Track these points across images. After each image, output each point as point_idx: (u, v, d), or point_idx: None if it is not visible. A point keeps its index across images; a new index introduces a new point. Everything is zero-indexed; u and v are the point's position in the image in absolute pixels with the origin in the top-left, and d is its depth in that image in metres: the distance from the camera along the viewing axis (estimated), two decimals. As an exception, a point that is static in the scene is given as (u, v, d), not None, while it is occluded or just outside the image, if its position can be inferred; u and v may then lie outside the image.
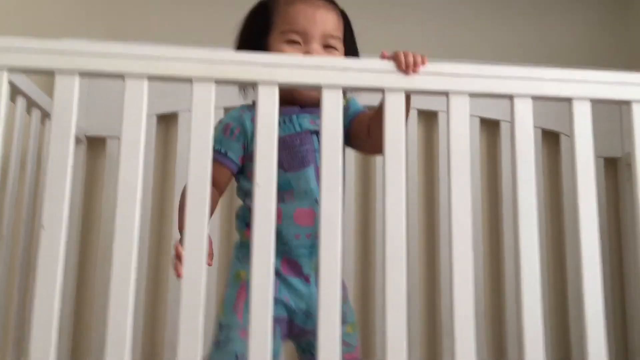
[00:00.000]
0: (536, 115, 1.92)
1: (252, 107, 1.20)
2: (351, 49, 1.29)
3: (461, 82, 1.04)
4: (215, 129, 1.20)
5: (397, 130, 1.02)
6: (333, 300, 0.95)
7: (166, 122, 1.90)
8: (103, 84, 1.81)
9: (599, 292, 1.01)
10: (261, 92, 1.00)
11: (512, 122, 1.06)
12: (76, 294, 1.76)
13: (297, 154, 1.22)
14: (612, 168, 2.00)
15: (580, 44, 2.10)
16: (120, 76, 0.99)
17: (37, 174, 1.59)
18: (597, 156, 1.98)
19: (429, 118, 2.00)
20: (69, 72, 0.97)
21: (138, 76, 0.99)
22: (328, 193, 0.98)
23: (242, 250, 1.23)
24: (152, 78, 1.00)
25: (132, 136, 0.99)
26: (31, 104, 1.51)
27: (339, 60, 1.04)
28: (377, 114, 1.15)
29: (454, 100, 1.04)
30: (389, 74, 1.03)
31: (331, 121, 1.01)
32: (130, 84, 0.99)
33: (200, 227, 0.95)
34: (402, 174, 1.01)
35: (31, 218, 1.57)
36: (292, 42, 1.21)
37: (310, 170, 1.21)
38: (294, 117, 1.23)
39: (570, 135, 1.07)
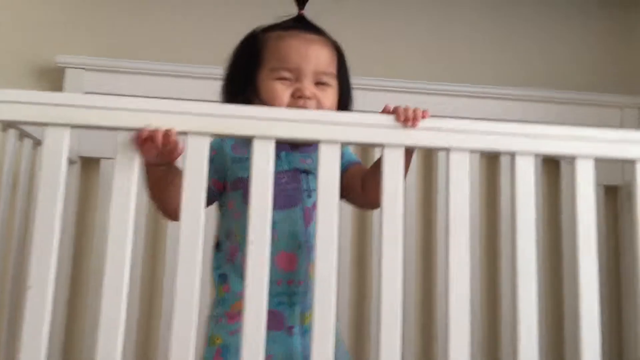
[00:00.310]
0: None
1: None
2: (345, 84, 1.22)
3: (462, 138, 1.01)
4: None
5: (395, 187, 1.00)
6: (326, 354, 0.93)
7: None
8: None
9: (593, 240, 1.01)
10: (257, 147, 0.97)
11: (512, 179, 1.03)
12: (67, 315, 1.74)
13: (282, 192, 1.14)
14: (612, 196, 1.98)
15: (583, 67, 2.07)
16: (114, 129, 0.96)
17: (28, 200, 1.57)
18: (597, 184, 1.95)
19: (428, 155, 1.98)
20: (60, 125, 0.94)
21: (130, 129, 0.96)
22: (324, 251, 0.96)
23: (219, 308, 1.15)
24: (145, 131, 0.97)
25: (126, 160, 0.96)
26: (23, 134, 1.48)
27: (338, 114, 1.01)
28: (373, 170, 1.12)
29: (455, 157, 1.02)
30: (388, 129, 1.00)
31: (328, 176, 0.99)
32: (123, 136, 0.96)
33: (192, 277, 0.93)
34: (399, 232, 0.99)
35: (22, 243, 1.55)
36: (283, 79, 1.15)
37: (297, 211, 1.14)
38: (283, 154, 1.16)
39: (573, 195, 1.05)
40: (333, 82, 1.19)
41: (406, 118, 1.00)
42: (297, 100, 1.13)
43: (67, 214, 1.71)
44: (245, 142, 1.05)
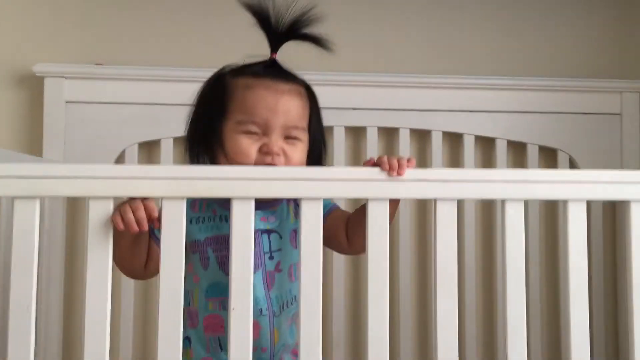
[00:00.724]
0: (533, 131, 1.87)
1: None
2: (317, 134, 1.15)
3: (449, 187, 0.97)
4: None
5: (381, 241, 0.97)
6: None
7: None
8: (81, 117, 1.74)
9: (584, 286, 1.00)
10: (235, 208, 0.94)
11: (503, 226, 1.00)
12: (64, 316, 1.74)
13: None
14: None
15: (581, 54, 1.99)
16: (84, 198, 0.92)
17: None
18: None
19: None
20: (30, 197, 0.91)
21: (103, 197, 0.92)
22: (308, 312, 0.94)
23: None
24: (117, 198, 0.93)
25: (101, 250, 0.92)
26: None
27: (319, 170, 0.96)
28: (359, 217, 1.08)
29: (442, 207, 0.98)
30: (373, 182, 0.96)
31: (312, 235, 0.95)
32: (95, 205, 0.92)
33: (174, 340, 0.91)
34: (385, 287, 0.96)
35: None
36: (250, 133, 1.07)
37: (256, 277, 1.08)
38: None
39: (563, 239, 1.01)
40: (304, 136, 1.12)
41: (391, 167, 0.96)
42: (265, 156, 1.07)
43: (56, 231, 1.70)
44: (202, 200, 0.99)
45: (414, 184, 0.97)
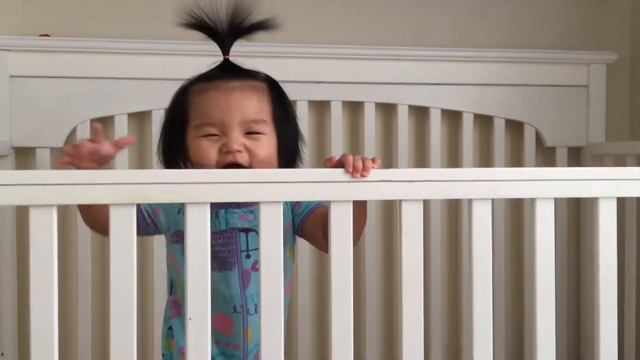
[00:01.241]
0: (500, 104, 1.85)
1: None
2: (285, 126, 1.13)
3: (415, 188, 0.93)
4: None
5: (344, 244, 0.93)
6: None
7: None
8: (27, 92, 1.64)
9: (551, 285, 0.99)
10: (190, 214, 0.88)
11: (470, 226, 0.97)
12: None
13: (217, 254, 1.08)
14: (575, 157, 1.94)
15: (547, 25, 1.95)
16: (26, 207, 0.86)
17: None
18: (561, 145, 1.91)
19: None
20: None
21: (46, 206, 0.85)
22: (269, 318, 0.90)
23: None
24: (61, 207, 0.87)
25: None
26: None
27: (277, 172, 0.91)
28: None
29: (407, 207, 0.94)
30: (335, 184, 0.92)
31: (271, 241, 0.91)
32: (36, 214, 0.85)
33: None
34: (349, 292, 0.93)
35: None
36: (209, 136, 1.06)
37: (232, 275, 1.09)
38: (222, 212, 1.09)
39: (531, 236, 0.99)
40: (267, 129, 1.09)
41: (355, 169, 0.92)
42: (225, 155, 1.04)
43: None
44: None
45: (378, 184, 0.93)
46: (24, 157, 1.69)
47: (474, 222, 0.96)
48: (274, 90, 1.13)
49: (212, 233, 1.04)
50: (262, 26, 1.12)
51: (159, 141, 1.15)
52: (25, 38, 1.65)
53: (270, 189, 0.90)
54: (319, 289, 1.83)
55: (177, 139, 1.09)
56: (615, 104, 1.94)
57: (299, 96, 1.77)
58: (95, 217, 1.04)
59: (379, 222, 1.85)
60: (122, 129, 1.69)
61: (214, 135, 1.06)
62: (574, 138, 1.92)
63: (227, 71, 1.11)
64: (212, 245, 1.04)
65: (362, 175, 0.92)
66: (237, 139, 1.05)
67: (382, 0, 1.87)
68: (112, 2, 1.74)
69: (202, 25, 1.11)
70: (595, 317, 1.00)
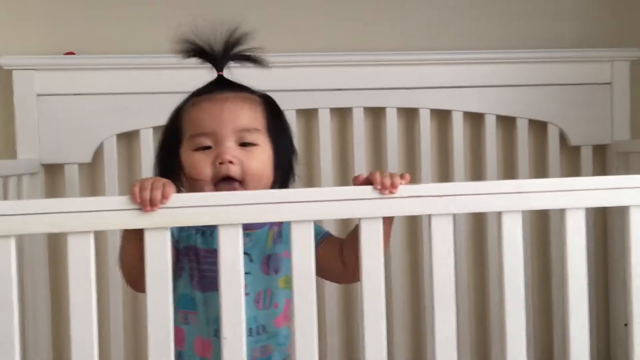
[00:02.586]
0: (523, 105, 1.84)
1: None
2: (280, 135, 1.11)
3: (444, 202, 0.94)
4: None
5: (375, 261, 0.94)
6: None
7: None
8: (54, 110, 1.67)
9: (584, 294, 0.99)
10: (223, 235, 0.90)
11: (499, 239, 0.97)
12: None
13: (203, 273, 1.05)
14: (601, 155, 1.92)
15: (569, 24, 1.93)
16: (62, 234, 0.87)
17: None
18: (586, 144, 1.90)
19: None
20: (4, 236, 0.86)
21: (82, 232, 0.87)
22: (303, 340, 0.92)
23: None
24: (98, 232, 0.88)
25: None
26: None
27: (308, 191, 0.92)
28: (353, 241, 1.04)
29: (437, 222, 0.94)
30: (365, 202, 0.92)
31: (303, 259, 0.92)
32: (74, 241, 0.87)
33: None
34: (382, 308, 0.94)
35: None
36: (203, 149, 1.04)
37: (216, 296, 0.98)
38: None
39: (562, 246, 0.99)
40: (261, 139, 1.07)
41: (383, 186, 0.92)
42: (220, 167, 1.03)
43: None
44: None
45: (407, 200, 0.93)
46: (53, 173, 1.72)
47: (504, 235, 0.96)
48: (268, 104, 1.12)
49: (204, 251, 1.06)
50: (252, 59, 1.13)
51: (156, 160, 1.14)
52: (51, 57, 1.68)
53: (301, 208, 0.91)
54: (347, 309, 1.84)
55: (172, 155, 1.08)
56: (640, 101, 1.92)
57: (320, 104, 1.78)
58: (132, 265, 0.99)
59: (404, 235, 1.85)
60: (147, 142, 1.71)
61: (207, 147, 1.05)
62: (598, 136, 1.89)
63: (221, 84, 1.11)
64: (202, 264, 1.06)
65: (390, 192, 0.92)
66: (230, 150, 1.04)
67: (400, 6, 1.86)
68: (135, 19, 1.76)
69: (195, 49, 1.12)
70: (629, 329, 1.00)
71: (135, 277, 0.99)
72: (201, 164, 1.04)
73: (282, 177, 1.12)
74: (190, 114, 1.08)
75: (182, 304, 1.08)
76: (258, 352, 1.10)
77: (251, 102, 1.09)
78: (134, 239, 0.94)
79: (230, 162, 1.03)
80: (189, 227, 1.08)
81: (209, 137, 1.05)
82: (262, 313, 1.10)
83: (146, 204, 0.87)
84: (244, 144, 1.06)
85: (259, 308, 1.09)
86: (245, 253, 1.04)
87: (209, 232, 1.07)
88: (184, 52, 1.12)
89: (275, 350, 1.12)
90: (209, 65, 1.14)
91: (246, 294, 1.05)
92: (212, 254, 1.04)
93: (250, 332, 1.08)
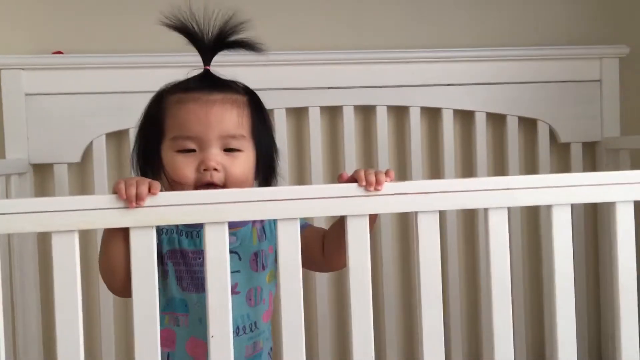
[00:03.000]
0: (512, 102, 1.84)
1: None
2: (263, 141, 1.10)
3: (430, 199, 0.94)
4: None
5: (362, 257, 0.94)
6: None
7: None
8: (43, 110, 1.66)
9: (571, 291, 0.99)
10: (209, 233, 0.90)
11: (486, 235, 0.97)
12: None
13: (195, 274, 1.05)
14: (590, 152, 1.93)
15: (557, 22, 1.93)
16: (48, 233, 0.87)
17: None
18: (576, 141, 1.90)
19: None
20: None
21: (67, 231, 0.87)
22: (291, 341, 0.91)
23: None
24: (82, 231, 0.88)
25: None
26: None
27: (295, 189, 0.92)
28: (335, 232, 1.05)
29: (423, 219, 0.95)
30: (351, 199, 0.92)
31: (290, 256, 0.92)
32: (58, 240, 0.87)
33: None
34: (369, 304, 0.94)
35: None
36: (186, 151, 1.04)
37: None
38: (202, 231, 1.03)
39: (547, 244, 0.99)
40: (246, 145, 1.07)
41: (368, 183, 0.92)
42: (204, 173, 1.02)
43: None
44: None
45: (393, 197, 0.93)
46: (41, 173, 1.71)
47: (490, 231, 0.97)
48: (254, 103, 1.11)
49: (192, 252, 1.06)
50: (247, 45, 1.11)
51: (133, 150, 1.12)
52: (39, 56, 1.67)
53: (287, 206, 0.91)
54: (337, 306, 1.84)
55: (152, 150, 1.07)
56: (630, 98, 1.92)
57: (310, 102, 1.78)
58: (115, 268, 0.99)
59: (394, 229, 1.85)
60: (136, 141, 1.70)
61: (190, 150, 1.04)
62: (588, 133, 1.90)
63: (208, 82, 1.09)
64: (191, 265, 1.06)
65: (375, 189, 0.92)
66: (215, 156, 1.03)
67: (390, 4, 1.86)
68: (124, 17, 1.75)
69: (187, 30, 1.10)
70: (615, 322, 1.00)
71: (117, 279, 0.99)
72: (184, 168, 1.03)
73: (264, 175, 1.11)
74: (175, 112, 1.06)
75: (172, 306, 1.08)
76: (251, 349, 1.11)
77: (238, 105, 1.08)
78: (118, 240, 0.94)
79: (215, 169, 1.03)
80: (170, 230, 1.08)
81: (194, 141, 1.04)
82: (253, 310, 1.10)
83: (132, 200, 0.86)
84: (228, 149, 1.05)
85: (251, 305, 1.10)
86: (233, 252, 1.07)
87: (195, 233, 1.07)
88: (173, 28, 1.10)
89: (264, 345, 1.12)
90: (194, 55, 1.12)
91: (237, 292, 1.07)
92: (200, 254, 1.05)
93: (244, 329, 1.09)
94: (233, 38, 1.10)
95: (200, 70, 1.12)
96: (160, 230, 1.07)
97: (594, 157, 1.93)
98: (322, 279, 1.74)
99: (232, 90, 1.10)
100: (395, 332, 1.81)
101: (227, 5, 1.10)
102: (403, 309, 1.88)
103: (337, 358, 1.84)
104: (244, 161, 1.06)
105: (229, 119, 1.05)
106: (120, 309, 1.72)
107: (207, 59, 1.11)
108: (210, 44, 1.10)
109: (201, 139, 1.04)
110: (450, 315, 1.79)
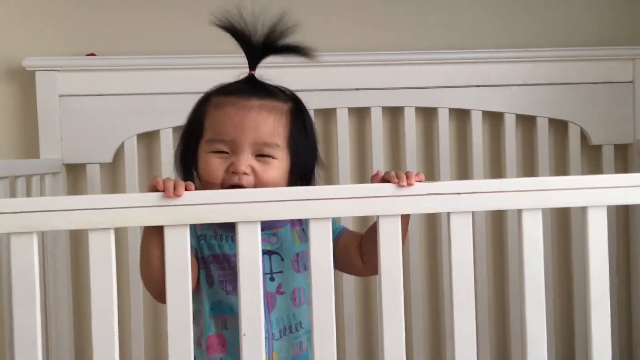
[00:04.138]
0: (543, 104, 1.82)
1: None
2: (301, 150, 1.09)
3: (463, 200, 0.93)
4: None
5: (393, 257, 0.94)
6: None
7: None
8: (76, 110, 1.69)
9: (606, 293, 0.98)
10: (241, 232, 0.90)
11: (519, 237, 0.96)
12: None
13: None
14: (622, 155, 1.90)
15: (590, 22, 1.90)
16: (83, 231, 0.89)
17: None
18: (608, 143, 1.87)
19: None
20: (26, 232, 0.87)
21: (102, 229, 0.88)
22: (322, 337, 0.92)
23: None
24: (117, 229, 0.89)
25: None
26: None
27: (327, 189, 0.92)
28: (372, 237, 1.05)
29: (455, 220, 0.94)
30: (382, 199, 0.92)
31: (321, 255, 0.92)
32: (95, 237, 0.88)
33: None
34: (400, 304, 0.94)
35: None
36: (220, 152, 1.04)
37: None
38: None
39: (584, 244, 0.98)
40: (279, 154, 1.06)
41: (400, 178, 0.92)
42: (232, 176, 1.03)
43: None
44: None
45: (426, 197, 0.93)
46: (74, 173, 1.74)
47: (524, 233, 0.96)
48: (295, 112, 1.10)
49: (234, 256, 1.04)
50: (297, 50, 1.11)
51: (176, 150, 1.14)
52: (73, 58, 1.70)
53: (319, 206, 0.91)
54: (365, 306, 1.85)
55: (191, 150, 1.08)
56: (663, 99, 1.89)
57: (338, 103, 1.78)
58: (153, 272, 0.98)
59: (422, 231, 1.85)
60: (167, 142, 1.72)
61: (224, 152, 1.05)
62: (620, 135, 1.87)
63: (249, 87, 1.09)
64: (234, 269, 1.04)
65: (408, 184, 0.92)
66: (246, 161, 1.03)
67: (419, 5, 1.86)
68: (156, 19, 1.77)
69: (237, 31, 1.09)
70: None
71: (157, 284, 0.97)
72: (215, 168, 1.04)
73: (300, 183, 1.11)
74: (213, 115, 1.07)
75: (219, 310, 1.08)
76: (297, 348, 1.11)
77: (277, 112, 1.07)
78: (155, 246, 0.95)
79: (245, 173, 1.03)
80: (207, 236, 1.09)
81: (227, 144, 1.05)
82: (300, 310, 1.10)
83: (170, 190, 0.87)
84: (260, 155, 1.05)
85: (296, 305, 1.10)
86: (276, 252, 1.08)
87: (231, 238, 1.07)
88: (221, 26, 1.09)
89: (308, 346, 1.13)
90: (241, 57, 1.11)
91: (282, 293, 1.08)
92: None
93: (289, 328, 1.10)
94: (281, 42, 1.10)
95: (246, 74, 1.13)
96: (198, 236, 1.08)
97: (626, 160, 1.90)
98: (349, 278, 1.74)
99: (273, 96, 1.09)
100: (422, 332, 1.80)
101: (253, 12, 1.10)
102: (430, 310, 1.87)
103: (363, 358, 1.83)
104: (276, 168, 1.06)
105: (264, 126, 1.05)
106: (150, 311, 1.73)
107: (253, 64, 1.11)
108: (259, 49, 1.10)
109: (235, 143, 1.04)
110: (479, 317, 1.78)
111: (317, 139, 1.16)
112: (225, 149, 1.05)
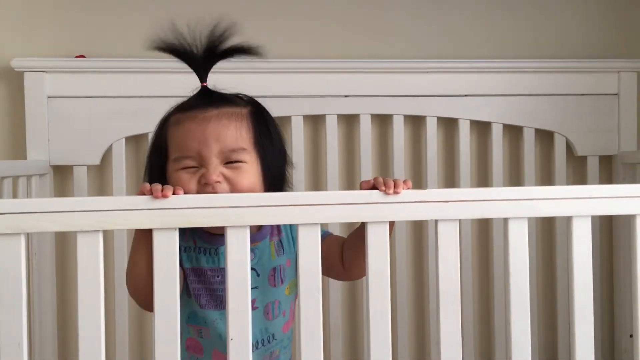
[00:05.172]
0: (529, 114, 1.84)
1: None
2: (268, 149, 1.08)
3: (450, 208, 0.94)
4: None
5: (381, 264, 0.94)
6: None
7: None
8: (64, 112, 1.68)
9: (590, 301, 0.98)
10: (230, 236, 0.90)
11: (505, 245, 0.97)
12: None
13: (213, 292, 1.05)
14: (607, 166, 1.93)
15: (576, 35, 1.93)
16: (71, 233, 0.88)
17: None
18: (593, 154, 1.90)
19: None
20: (13, 234, 0.87)
21: (91, 232, 0.88)
22: (309, 347, 0.92)
23: None
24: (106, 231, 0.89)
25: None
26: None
27: (316, 195, 0.92)
28: (354, 241, 1.06)
29: (443, 228, 0.95)
30: (372, 205, 0.93)
31: (310, 261, 0.92)
32: (83, 240, 0.88)
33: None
34: (387, 310, 0.94)
35: None
36: (188, 168, 1.03)
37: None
38: (221, 249, 1.03)
39: (568, 253, 0.99)
40: (248, 157, 1.05)
41: (387, 186, 0.93)
42: (205, 187, 1.02)
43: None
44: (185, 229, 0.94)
45: (413, 205, 0.94)
46: (61, 175, 1.73)
47: (510, 242, 0.97)
48: (256, 115, 1.08)
49: (210, 270, 1.07)
50: (243, 50, 1.08)
51: (144, 173, 1.12)
52: (62, 60, 1.70)
53: (308, 212, 0.91)
54: (351, 312, 1.86)
55: (159, 172, 1.06)
56: (647, 112, 1.92)
57: (327, 110, 1.79)
58: (139, 277, 0.98)
59: (409, 238, 1.86)
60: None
61: (192, 167, 1.03)
62: (605, 147, 1.90)
63: (205, 99, 1.07)
64: (210, 283, 1.07)
65: (395, 192, 0.93)
66: (215, 170, 1.02)
67: (408, 14, 1.88)
68: (145, 22, 1.77)
69: (176, 49, 1.08)
70: (634, 340, 1.00)
71: (143, 291, 0.96)
72: (186, 182, 1.02)
73: (274, 186, 1.09)
74: (174, 133, 1.06)
75: (194, 320, 1.09)
76: (267, 358, 1.12)
77: (236, 118, 1.06)
78: (143, 251, 0.95)
79: (217, 181, 1.02)
80: (189, 248, 1.09)
81: (194, 159, 1.03)
82: (272, 323, 1.11)
83: (158, 192, 0.87)
84: (230, 162, 1.04)
85: (269, 319, 1.11)
86: (252, 269, 1.06)
87: (213, 251, 1.08)
88: (160, 48, 1.08)
89: (280, 353, 1.13)
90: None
91: (256, 308, 1.07)
92: (218, 272, 1.07)
93: (262, 342, 1.10)
94: (223, 47, 1.07)
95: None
96: (181, 247, 1.06)
97: (611, 171, 1.93)
98: (335, 284, 1.74)
99: (230, 103, 1.07)
100: (407, 338, 1.81)
101: (240, 20, 1.08)
102: (416, 316, 1.88)
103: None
104: (248, 172, 1.05)
105: (226, 133, 1.04)
106: (135, 314, 1.72)
107: (202, 76, 1.10)
108: (203, 58, 1.08)
109: (201, 156, 1.03)
110: (464, 323, 1.79)
111: (283, 138, 1.14)
112: (193, 163, 1.03)
